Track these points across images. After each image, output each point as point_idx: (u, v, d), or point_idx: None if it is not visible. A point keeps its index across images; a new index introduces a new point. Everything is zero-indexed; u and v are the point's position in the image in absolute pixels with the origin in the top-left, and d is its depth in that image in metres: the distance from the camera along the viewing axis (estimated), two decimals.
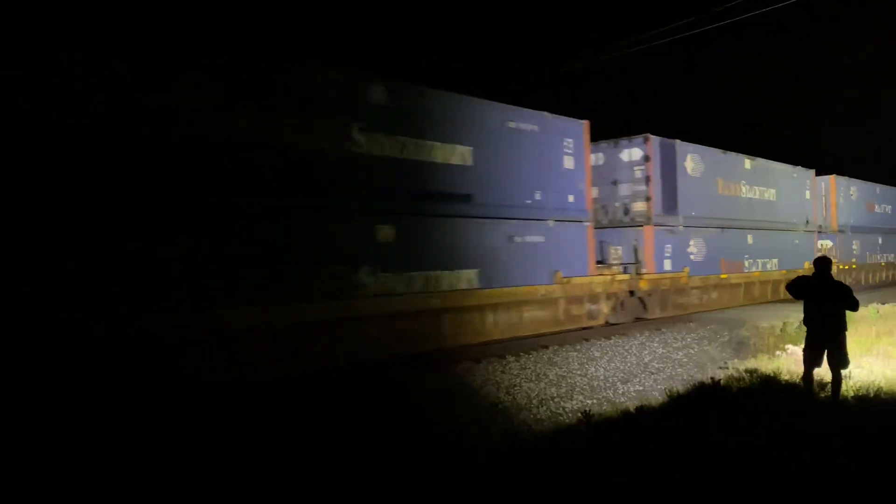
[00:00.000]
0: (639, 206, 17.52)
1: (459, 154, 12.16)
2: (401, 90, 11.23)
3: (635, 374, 11.87)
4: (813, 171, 25.09)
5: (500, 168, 12.92)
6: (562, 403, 9.95)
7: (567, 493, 4.76)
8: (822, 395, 8.09)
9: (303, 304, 9.52)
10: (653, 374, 11.96)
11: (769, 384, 8.94)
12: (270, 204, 9.36)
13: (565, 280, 14.05)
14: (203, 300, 8.51)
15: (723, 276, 19.44)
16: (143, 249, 8.04)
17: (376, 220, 10.73)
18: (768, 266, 21.84)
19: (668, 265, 17.63)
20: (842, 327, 7.77)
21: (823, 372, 8.01)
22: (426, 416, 8.49)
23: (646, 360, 12.89)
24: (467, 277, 12.19)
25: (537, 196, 13.72)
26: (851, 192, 27.62)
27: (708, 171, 19.13)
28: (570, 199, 14.58)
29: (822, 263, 7.95)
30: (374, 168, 10.76)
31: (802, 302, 8.00)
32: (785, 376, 9.37)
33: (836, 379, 7.78)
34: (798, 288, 7.95)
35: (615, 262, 16.14)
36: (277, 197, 9.46)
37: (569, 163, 14.53)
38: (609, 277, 15.47)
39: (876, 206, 29.81)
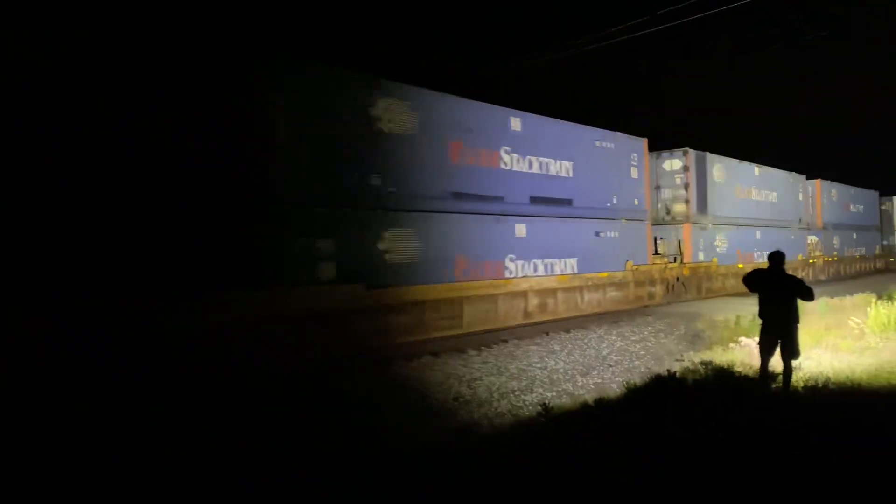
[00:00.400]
0: (679, 208, 21.68)
1: (565, 168, 15.87)
2: (529, 119, 14.87)
3: (594, 366, 12.03)
4: (804, 177, 28.82)
5: (590, 178, 16.63)
6: (522, 397, 10.04)
7: (524, 487, 4.80)
8: (774, 385, 8.30)
9: (475, 281, 13.47)
10: (611, 366, 12.14)
11: (723, 376, 9.15)
12: (456, 209, 13.11)
13: (634, 267, 17.89)
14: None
15: (739, 265, 22.87)
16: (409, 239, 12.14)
17: (515, 221, 14.47)
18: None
19: (700, 256, 21.35)
20: (793, 320, 7.99)
21: (776, 362, 8.23)
22: (387, 409, 8.48)
23: (604, 352, 13.07)
24: (570, 264, 16.01)
25: (614, 200, 17.60)
26: (833, 194, 31.83)
27: (729, 177, 22.82)
28: (636, 202, 18.49)
29: (776, 257, 8.16)
30: (514, 181, 14.44)
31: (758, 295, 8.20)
32: (738, 368, 9.60)
33: (788, 370, 8.00)
34: (753, 281, 8.14)
35: (666, 253, 20.36)
36: (461, 203, 13.24)
37: (634, 173, 18.36)
38: (663, 265, 19.40)
39: (851, 206, 34.10)
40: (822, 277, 29.06)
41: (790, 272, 8.32)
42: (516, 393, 10.18)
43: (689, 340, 14.38)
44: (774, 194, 26.01)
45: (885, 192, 39.29)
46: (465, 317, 13.43)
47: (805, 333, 11.46)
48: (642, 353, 13.26)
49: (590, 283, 16.41)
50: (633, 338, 14.47)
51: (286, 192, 10.02)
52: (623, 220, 17.85)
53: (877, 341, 11.25)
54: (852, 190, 34.55)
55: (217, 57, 9.40)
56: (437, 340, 12.63)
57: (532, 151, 14.90)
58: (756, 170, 24.85)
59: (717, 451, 5.19)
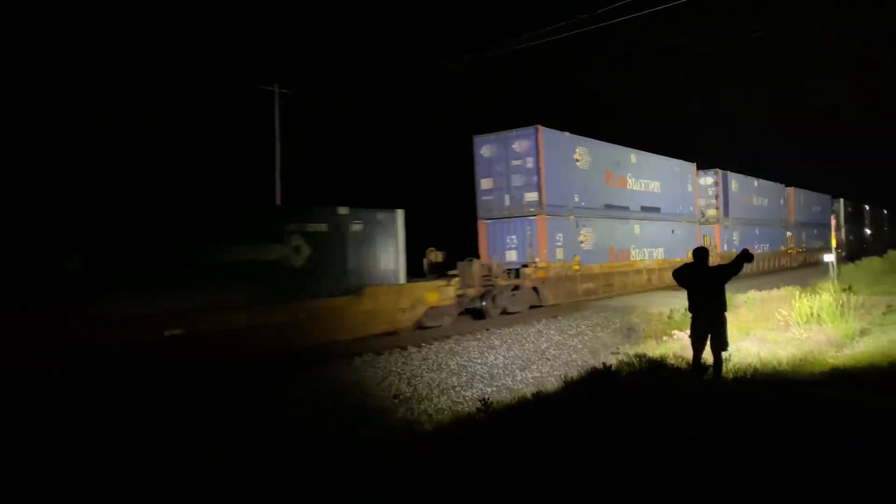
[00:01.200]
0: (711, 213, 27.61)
1: (656, 186, 23.89)
2: (640, 155, 22.89)
3: (533, 360, 12.17)
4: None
5: (669, 193, 24.67)
6: (462, 392, 10.08)
7: (460, 482, 4.81)
8: (706, 377, 8.55)
9: (619, 262, 21.34)
10: (549, 360, 12.30)
11: (657, 368, 9.37)
12: (608, 216, 20.84)
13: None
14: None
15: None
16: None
17: (634, 223, 22.41)
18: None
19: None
20: (721, 312, 8.24)
21: (708, 354, 8.47)
22: (327, 409, 8.38)
23: (543, 346, 13.24)
24: (659, 252, 23.81)
25: (680, 208, 25.64)
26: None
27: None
28: (691, 208, 26.64)
29: (701, 253, 8.40)
30: (633, 196, 22.39)
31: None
32: (671, 360, 9.84)
33: (718, 361, 8.25)
34: (682, 276, 8.36)
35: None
36: (610, 211, 21.02)
37: (689, 188, 26.45)
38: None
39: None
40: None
41: (678, 267, 8.55)
42: (456, 389, 10.22)
43: (624, 334, 14.70)
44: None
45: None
46: (615, 286, 21.16)
47: (734, 326, 11.83)
48: (580, 346, 13.49)
49: (667, 265, 22.47)
50: (570, 332, 14.71)
51: (548, 203, 17.94)
52: (684, 222, 25.76)
53: (801, 332, 11.71)
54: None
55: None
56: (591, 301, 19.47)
57: (641, 176, 22.76)
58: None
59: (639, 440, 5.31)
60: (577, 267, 18.95)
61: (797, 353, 10.13)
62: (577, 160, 19.37)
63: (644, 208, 22.89)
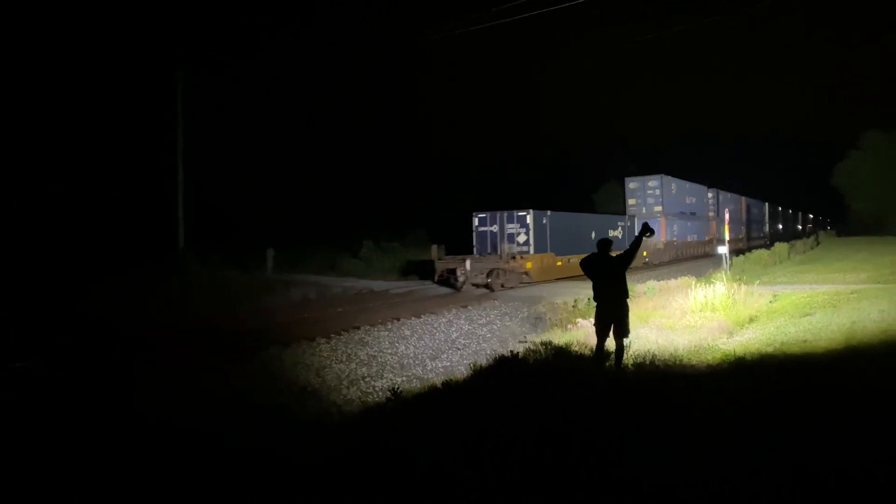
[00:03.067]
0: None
1: (693, 200, 37.80)
2: (697, 186, 39.26)
3: (443, 350, 12.28)
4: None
5: (699, 202, 39.11)
6: (372, 383, 10.06)
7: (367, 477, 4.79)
8: (608, 363, 8.86)
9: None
10: (459, 349, 12.44)
11: (562, 355, 9.63)
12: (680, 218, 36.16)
13: (708, 238, 40.30)
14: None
15: None
16: None
17: (686, 220, 36.59)
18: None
19: None
20: (624, 300, 8.54)
21: (611, 341, 8.77)
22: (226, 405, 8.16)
23: (453, 336, 13.37)
24: (696, 236, 38.13)
25: (702, 210, 39.55)
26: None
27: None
28: (706, 210, 41.03)
29: (603, 244, 8.68)
30: (686, 205, 37.10)
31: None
32: (575, 348, 10.14)
33: (619, 348, 8.55)
34: (587, 266, 8.61)
35: None
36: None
37: (705, 198, 40.48)
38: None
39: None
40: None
41: (583, 258, 8.84)
42: (366, 379, 10.19)
43: (532, 323, 15.01)
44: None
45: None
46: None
47: (635, 314, 12.31)
48: (489, 335, 13.70)
49: (699, 241, 37.87)
50: (480, 321, 14.91)
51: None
52: (706, 219, 39.79)
53: (696, 320, 12.33)
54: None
55: None
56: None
57: (685, 195, 36.30)
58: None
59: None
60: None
61: (693, 339, 10.64)
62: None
63: None
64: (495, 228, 22.25)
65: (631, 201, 32.97)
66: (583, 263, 8.65)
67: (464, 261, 20.88)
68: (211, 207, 28.44)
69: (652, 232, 8.38)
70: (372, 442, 5.35)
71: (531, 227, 22.01)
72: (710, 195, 40.96)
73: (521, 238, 22.04)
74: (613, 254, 8.58)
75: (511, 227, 22.06)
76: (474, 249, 22.48)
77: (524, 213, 22.08)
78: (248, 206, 31.21)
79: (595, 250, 8.59)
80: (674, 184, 34.59)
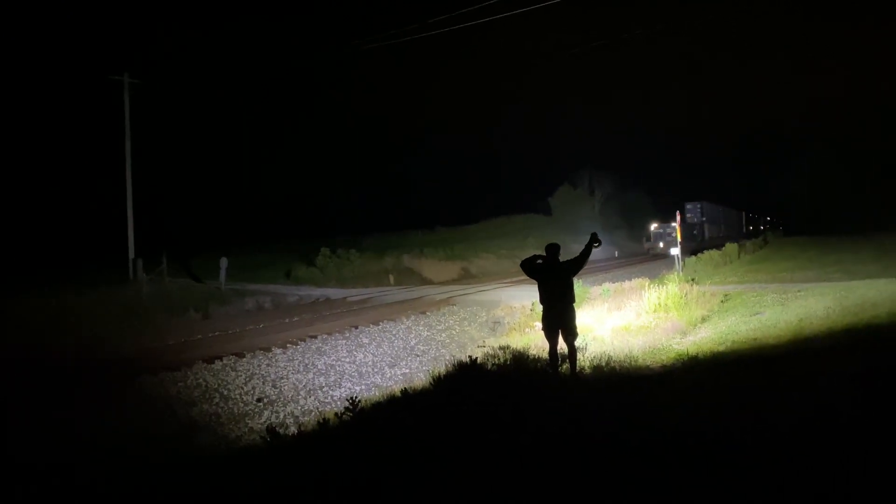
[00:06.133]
0: None
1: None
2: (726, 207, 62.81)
3: (402, 357, 12.21)
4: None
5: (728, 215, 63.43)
6: (330, 392, 9.94)
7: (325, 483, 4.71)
8: (563, 368, 8.90)
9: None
10: (418, 356, 12.39)
11: (519, 359, 9.66)
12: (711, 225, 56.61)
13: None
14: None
15: None
16: None
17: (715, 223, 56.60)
18: None
19: None
20: (570, 304, 8.56)
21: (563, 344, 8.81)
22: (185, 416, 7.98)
23: (412, 343, 13.31)
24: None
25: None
26: None
27: None
28: (739, 217, 71.69)
29: (552, 248, 8.71)
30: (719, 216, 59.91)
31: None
32: (533, 351, 10.18)
33: (572, 351, 8.56)
34: (530, 267, 8.60)
35: None
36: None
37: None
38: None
39: None
40: None
41: (525, 258, 8.87)
42: (324, 389, 10.06)
43: (490, 327, 15.05)
44: None
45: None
46: None
47: (589, 316, 12.46)
48: (448, 341, 13.68)
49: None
50: (439, 327, 14.89)
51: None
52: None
53: (651, 320, 12.51)
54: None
55: None
56: None
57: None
58: None
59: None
60: None
61: (648, 340, 10.80)
62: None
63: None
64: None
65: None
66: (524, 264, 8.67)
67: None
68: (163, 216, 27.84)
69: (599, 242, 8.47)
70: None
71: None
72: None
73: None
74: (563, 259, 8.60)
75: None
76: None
77: None
78: (201, 215, 30.66)
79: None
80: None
